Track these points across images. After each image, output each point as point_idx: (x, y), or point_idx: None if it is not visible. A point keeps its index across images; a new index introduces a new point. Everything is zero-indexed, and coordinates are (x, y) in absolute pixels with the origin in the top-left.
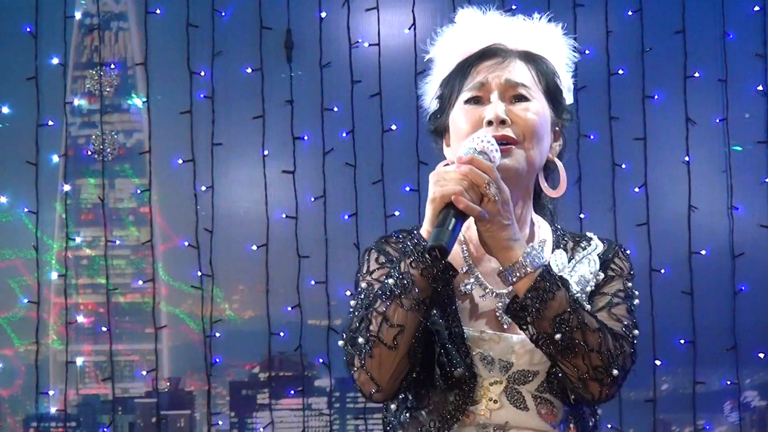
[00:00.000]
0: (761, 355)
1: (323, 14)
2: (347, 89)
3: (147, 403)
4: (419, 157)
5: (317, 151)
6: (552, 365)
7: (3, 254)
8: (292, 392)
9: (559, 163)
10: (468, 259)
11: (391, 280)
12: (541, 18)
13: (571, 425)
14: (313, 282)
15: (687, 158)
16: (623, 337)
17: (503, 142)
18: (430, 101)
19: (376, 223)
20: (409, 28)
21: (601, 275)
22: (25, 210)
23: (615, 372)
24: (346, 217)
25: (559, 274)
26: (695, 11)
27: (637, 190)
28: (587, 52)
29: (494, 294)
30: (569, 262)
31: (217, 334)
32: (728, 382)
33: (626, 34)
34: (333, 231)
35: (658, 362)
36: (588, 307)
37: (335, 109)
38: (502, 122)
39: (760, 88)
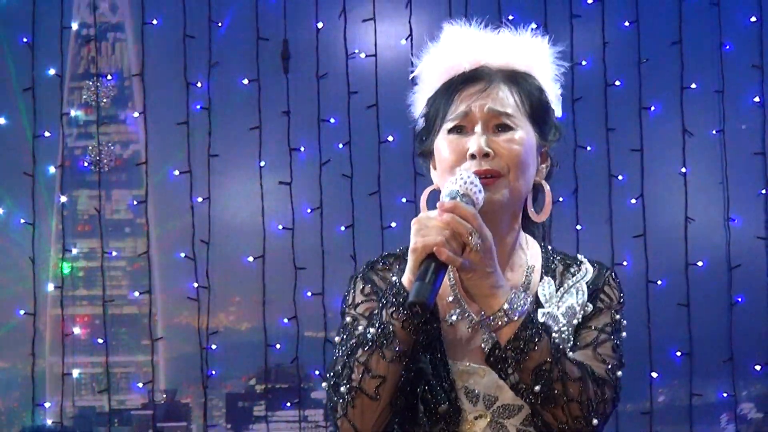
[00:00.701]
0: (758, 367)
1: (320, 25)
2: (344, 100)
3: (143, 415)
4: (416, 169)
5: (314, 163)
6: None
7: None
8: (289, 404)
9: (546, 187)
10: (455, 288)
11: (372, 330)
12: (527, 30)
13: None
14: (309, 294)
15: (684, 170)
16: (605, 381)
17: (487, 175)
18: (418, 117)
19: (372, 234)
20: (406, 39)
21: (590, 307)
22: (22, 221)
23: (595, 421)
24: (343, 228)
25: (542, 321)
26: (692, 22)
27: (633, 201)
28: (584, 63)
29: (481, 325)
30: (557, 291)
31: (214, 346)
32: (725, 394)
33: (623, 46)
34: (330, 242)
35: (654, 374)
36: (569, 346)
37: (332, 120)
38: (486, 155)
39: (756, 99)
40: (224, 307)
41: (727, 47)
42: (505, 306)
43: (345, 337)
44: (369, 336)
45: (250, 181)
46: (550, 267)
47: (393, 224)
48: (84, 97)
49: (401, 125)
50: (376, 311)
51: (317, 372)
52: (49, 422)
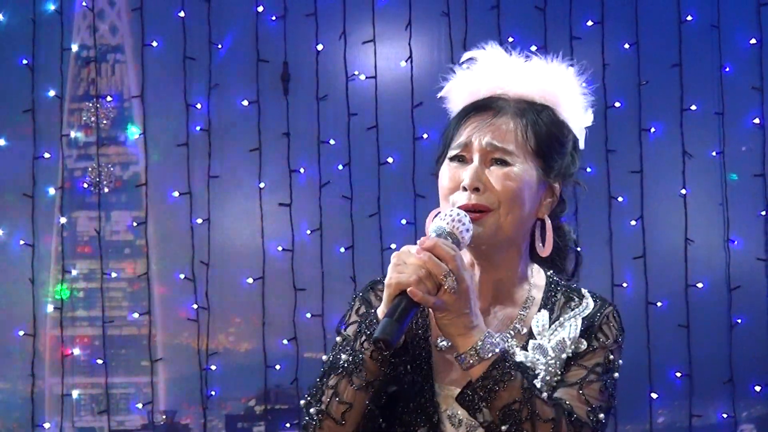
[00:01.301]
0: (758, 388)
1: (320, 47)
2: (344, 122)
3: None
4: (416, 190)
5: (314, 184)
6: None
7: None
8: (288, 425)
9: (547, 222)
10: None
11: (344, 356)
12: (558, 58)
13: None
14: (309, 315)
15: (684, 191)
16: (584, 424)
17: (475, 210)
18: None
19: (372, 256)
20: (406, 61)
21: (583, 344)
22: (21, 242)
23: None
24: (343, 249)
25: (518, 360)
26: (692, 44)
27: (633, 223)
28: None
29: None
30: (552, 324)
31: (213, 367)
32: (725, 416)
33: (623, 67)
34: (329, 264)
35: (654, 395)
36: (556, 380)
37: (332, 141)
38: (476, 189)
39: (756, 121)
40: (224, 328)
41: (727, 69)
42: (478, 345)
43: (331, 357)
44: (341, 362)
45: (250, 203)
46: (551, 300)
47: (393, 245)
48: (84, 118)
49: (401, 147)
50: (348, 342)
51: None
52: None
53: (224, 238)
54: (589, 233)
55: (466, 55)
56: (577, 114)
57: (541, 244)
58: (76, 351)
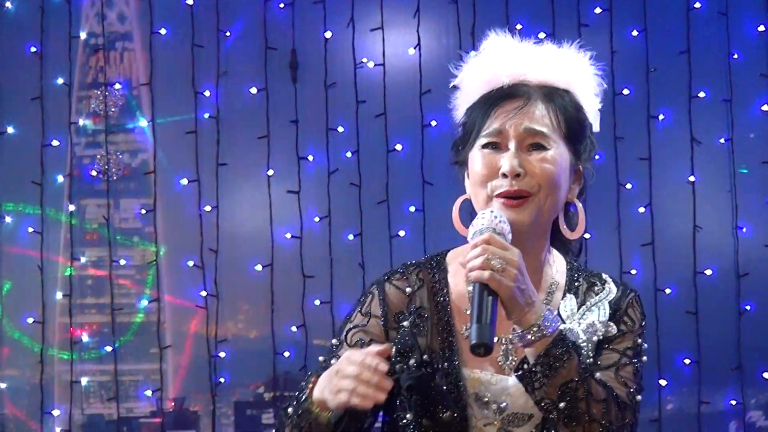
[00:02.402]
0: (766, 375)
1: (328, 34)
2: (352, 109)
3: (152, 423)
4: (424, 177)
5: (322, 171)
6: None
7: (7, 274)
8: None
9: (579, 205)
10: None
11: (291, 410)
12: (570, 45)
13: None
14: (318, 302)
15: (692, 178)
16: (627, 406)
17: (517, 196)
18: (458, 125)
19: (380, 242)
20: (414, 48)
21: (613, 327)
22: (30, 230)
23: None
24: (351, 236)
25: (573, 341)
26: (700, 31)
27: (642, 209)
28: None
29: (497, 337)
30: (579, 308)
31: (222, 354)
32: (733, 402)
33: (631, 55)
34: (338, 251)
35: (663, 382)
36: (589, 363)
37: (340, 129)
38: (517, 175)
39: (765, 108)
40: (233, 315)
41: (735, 56)
42: (539, 322)
43: (323, 359)
44: (292, 415)
45: (259, 190)
46: (574, 285)
47: (401, 233)
48: (92, 106)
49: (409, 134)
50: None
51: None
52: (57, 430)
53: (233, 226)
54: (598, 220)
55: (484, 45)
56: (592, 98)
57: (566, 227)
58: (85, 338)
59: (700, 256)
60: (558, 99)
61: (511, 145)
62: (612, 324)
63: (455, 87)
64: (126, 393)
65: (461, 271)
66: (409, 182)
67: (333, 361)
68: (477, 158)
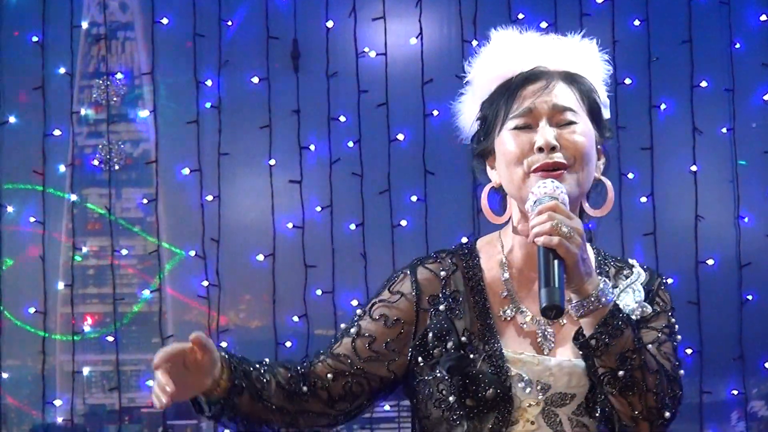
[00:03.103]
0: None
1: (330, 24)
2: (354, 99)
3: (153, 412)
4: (426, 167)
5: (324, 161)
6: (590, 390)
7: (9, 263)
8: None
9: (607, 182)
10: (509, 284)
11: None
12: (575, 35)
13: None
14: (319, 292)
15: (694, 168)
16: (675, 379)
17: (555, 168)
18: (471, 123)
19: (382, 232)
20: (416, 38)
21: (648, 308)
22: (32, 220)
23: (667, 414)
24: (353, 226)
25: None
26: (702, 21)
27: (643, 199)
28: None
29: (535, 320)
30: (614, 290)
31: (224, 344)
32: (735, 392)
33: (633, 44)
34: (339, 241)
35: None
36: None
37: (342, 118)
38: (553, 148)
39: (767, 97)
40: (234, 306)
41: (737, 46)
42: (597, 292)
43: (344, 327)
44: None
45: (260, 180)
46: (604, 269)
47: (403, 222)
48: (94, 95)
49: (411, 123)
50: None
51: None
52: (59, 420)
53: (234, 215)
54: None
55: (493, 39)
56: (601, 84)
57: (588, 205)
58: (87, 328)
59: (701, 246)
60: (578, 81)
61: (542, 122)
62: (647, 304)
63: (467, 83)
64: (128, 383)
65: (493, 256)
66: (411, 172)
67: (352, 330)
68: (508, 139)
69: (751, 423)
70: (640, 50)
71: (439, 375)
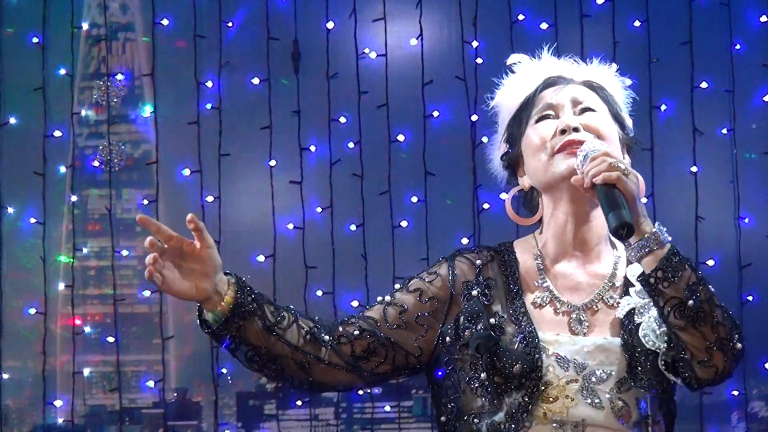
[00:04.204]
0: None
1: (330, 25)
2: (354, 100)
3: (154, 413)
4: (426, 168)
5: (324, 162)
6: (627, 368)
7: (9, 265)
8: (299, 403)
9: (638, 176)
10: (542, 272)
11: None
12: (595, 61)
13: (648, 428)
14: (320, 292)
15: (694, 169)
16: (733, 320)
17: (579, 143)
18: (500, 143)
19: (382, 233)
20: (417, 39)
21: None
22: (32, 221)
23: (738, 346)
24: (353, 227)
25: (629, 302)
26: (702, 22)
27: (644, 200)
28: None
29: (569, 306)
30: None
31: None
32: (735, 393)
33: (633, 45)
34: (340, 241)
35: None
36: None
37: (342, 119)
38: (575, 129)
39: (766, 98)
40: None
41: (738, 47)
42: (656, 230)
43: (380, 299)
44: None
45: (261, 181)
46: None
47: (403, 223)
48: (95, 96)
49: (411, 125)
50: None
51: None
52: (60, 420)
53: (235, 216)
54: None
55: (512, 59)
56: (623, 104)
57: None
58: (88, 329)
59: (702, 247)
60: (596, 87)
61: (564, 110)
62: None
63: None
64: (128, 384)
65: (528, 250)
66: (411, 173)
67: (386, 298)
68: (532, 132)
69: (752, 424)
70: (640, 51)
71: (468, 355)
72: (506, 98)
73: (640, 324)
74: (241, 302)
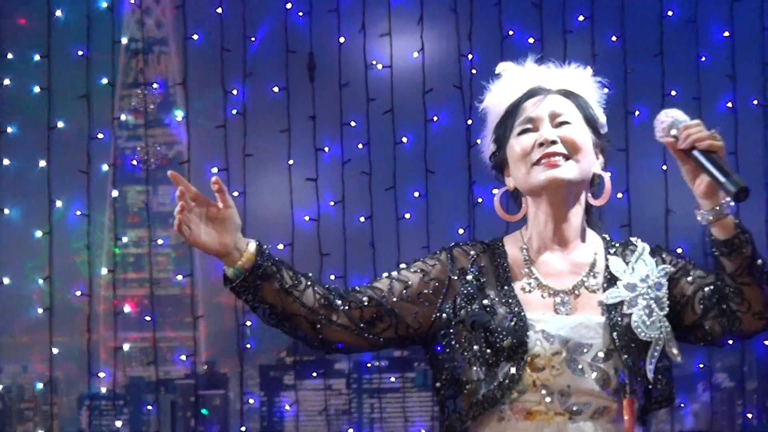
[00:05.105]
0: (730, 342)
1: (342, 40)
2: (363, 106)
3: (186, 384)
4: (427, 167)
5: (336, 161)
6: (609, 343)
7: (58, 252)
8: (315, 374)
9: (606, 175)
10: (528, 263)
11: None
12: (572, 65)
13: (626, 395)
14: (333, 276)
15: (664, 167)
16: None
17: (556, 156)
18: (489, 144)
19: (388, 224)
20: (418, 52)
21: (669, 267)
22: (78, 213)
23: None
24: (362, 219)
25: (617, 293)
26: (672, 37)
27: (620, 195)
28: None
29: (553, 292)
30: (627, 265)
31: (249, 323)
32: (701, 366)
33: (610, 57)
34: (351, 231)
35: None
36: (666, 305)
37: (353, 123)
38: (552, 142)
39: (729, 105)
40: None
41: (703, 59)
42: (723, 202)
43: (386, 274)
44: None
45: (280, 178)
46: (610, 249)
47: (407, 215)
48: (133, 103)
49: (414, 128)
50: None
51: (341, 345)
52: (103, 390)
53: (258, 209)
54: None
55: (499, 68)
56: (596, 103)
57: (590, 195)
58: (127, 309)
59: (671, 236)
60: (572, 95)
61: (543, 124)
62: (667, 265)
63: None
64: (163, 357)
65: (515, 244)
66: (413, 171)
67: (392, 273)
68: (515, 143)
69: (715, 393)
70: (616, 63)
71: (464, 331)
72: (494, 102)
73: (629, 314)
74: (260, 264)
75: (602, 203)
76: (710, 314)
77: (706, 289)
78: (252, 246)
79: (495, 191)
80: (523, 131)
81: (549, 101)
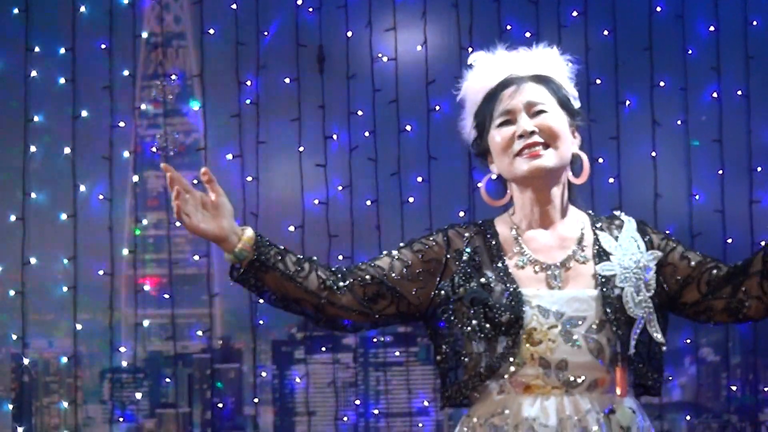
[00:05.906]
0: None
1: (349, 33)
2: (370, 96)
3: (203, 358)
4: (430, 153)
5: (345, 148)
6: (601, 314)
7: (82, 234)
8: (324, 349)
9: (583, 155)
10: (519, 240)
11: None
12: (540, 45)
13: (618, 365)
14: (341, 257)
15: (653, 154)
16: None
17: (536, 146)
18: (470, 131)
19: (393, 207)
20: (421, 45)
21: (658, 252)
22: (101, 197)
23: None
24: (369, 203)
25: (609, 268)
26: (661, 31)
27: (611, 180)
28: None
29: (545, 266)
30: (616, 240)
31: (261, 300)
32: (688, 341)
33: (603, 50)
34: (358, 214)
35: None
36: (652, 286)
37: (360, 112)
38: (532, 133)
39: (714, 95)
40: None
41: (690, 52)
42: None
43: (386, 252)
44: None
45: (292, 164)
46: (596, 225)
47: (411, 199)
48: (153, 94)
49: (417, 117)
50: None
51: (347, 323)
52: (124, 364)
53: (270, 194)
54: (574, 189)
55: (471, 58)
56: (568, 81)
57: (571, 174)
58: (147, 287)
59: (660, 219)
60: (545, 80)
61: (520, 116)
62: (655, 250)
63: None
64: (181, 333)
65: (505, 225)
66: (417, 157)
67: (393, 252)
68: (496, 135)
69: (701, 366)
70: (608, 56)
71: (464, 307)
72: (471, 90)
73: (621, 287)
74: (260, 256)
75: (582, 181)
76: (716, 294)
77: (714, 271)
78: (249, 231)
79: (494, 176)
80: (502, 123)
81: (524, 91)
